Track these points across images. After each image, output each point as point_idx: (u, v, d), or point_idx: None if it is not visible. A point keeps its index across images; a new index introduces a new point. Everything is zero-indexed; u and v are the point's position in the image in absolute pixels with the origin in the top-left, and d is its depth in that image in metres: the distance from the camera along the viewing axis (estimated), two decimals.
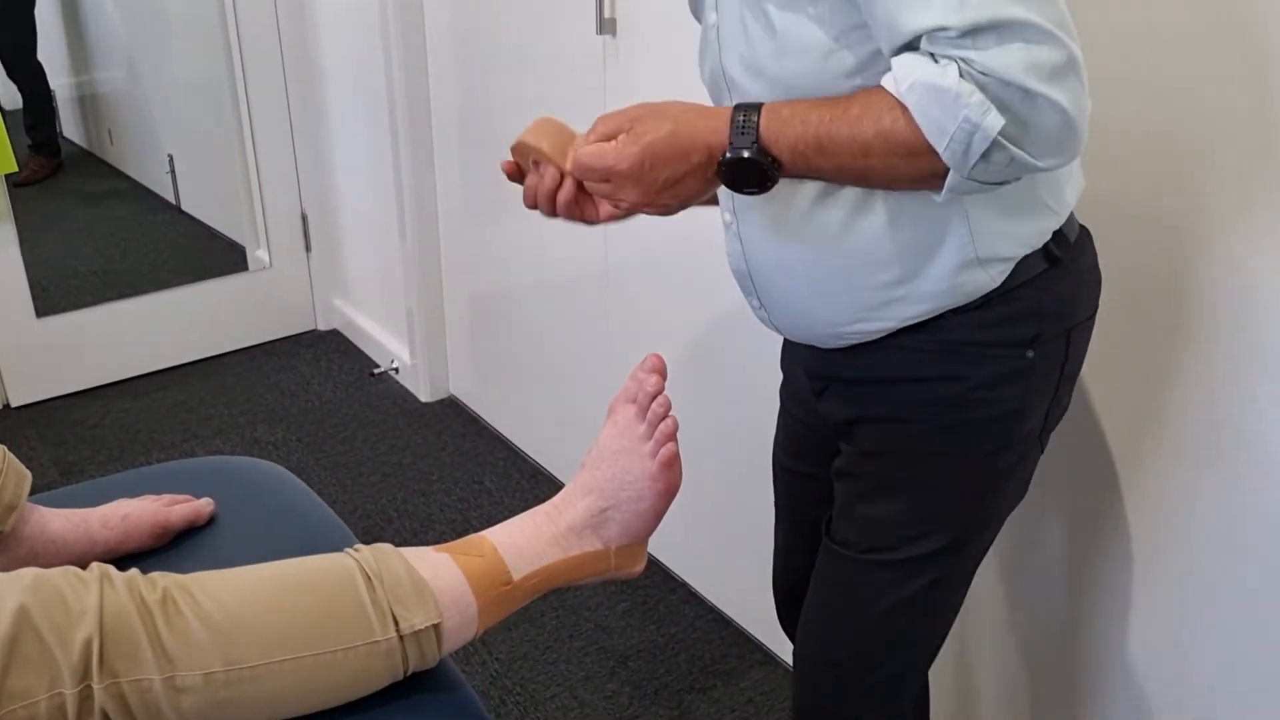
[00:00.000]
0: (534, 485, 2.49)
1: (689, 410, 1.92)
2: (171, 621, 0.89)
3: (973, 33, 0.83)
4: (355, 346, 3.15)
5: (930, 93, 0.85)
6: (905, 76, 0.86)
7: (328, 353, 3.12)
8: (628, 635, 2.05)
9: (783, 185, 0.96)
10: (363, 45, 2.63)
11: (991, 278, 1.01)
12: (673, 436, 1.05)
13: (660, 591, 2.16)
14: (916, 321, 1.03)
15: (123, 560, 1.12)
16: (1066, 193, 1.04)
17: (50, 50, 3.33)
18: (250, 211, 3.07)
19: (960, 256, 1.00)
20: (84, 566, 0.94)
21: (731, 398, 1.91)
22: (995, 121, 0.84)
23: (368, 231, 2.96)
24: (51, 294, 2.89)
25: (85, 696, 0.86)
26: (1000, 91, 0.83)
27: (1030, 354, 1.04)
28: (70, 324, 2.86)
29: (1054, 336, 1.05)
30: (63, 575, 0.90)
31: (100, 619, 0.87)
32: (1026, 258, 1.02)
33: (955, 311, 1.02)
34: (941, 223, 0.99)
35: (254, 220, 3.08)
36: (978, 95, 0.83)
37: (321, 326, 3.24)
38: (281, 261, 3.13)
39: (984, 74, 0.83)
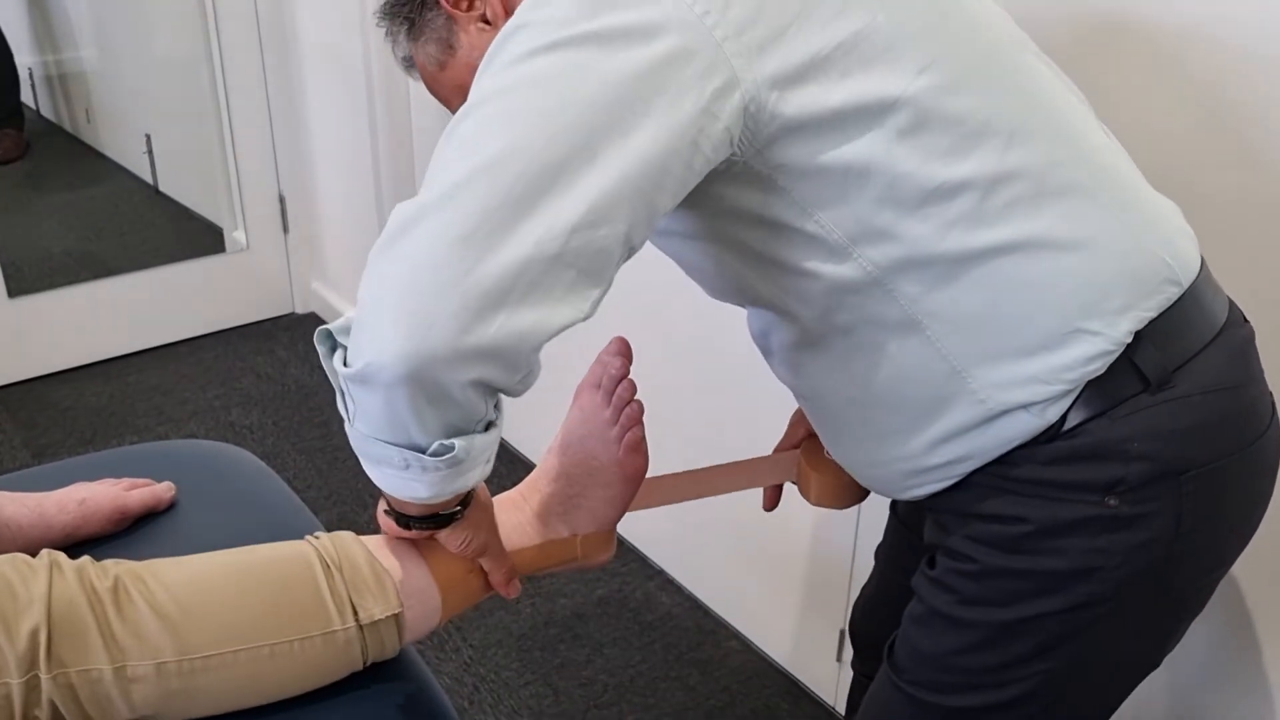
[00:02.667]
0: (511, 470, 2.47)
1: (662, 396, 1.90)
2: (122, 610, 0.87)
3: None
4: None
5: None
6: None
7: (305, 336, 3.09)
8: (604, 623, 2.04)
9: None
10: (341, 25, 2.60)
11: (1040, 417, 0.87)
12: (638, 421, 1.03)
13: (637, 579, 2.15)
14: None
15: (79, 546, 1.10)
16: (1115, 301, 0.86)
17: (22, 27, 3.29)
18: (228, 192, 3.04)
19: (977, 414, 0.88)
20: (37, 552, 0.92)
21: (706, 383, 1.89)
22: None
23: (346, 214, 2.93)
24: (25, 274, 2.85)
25: (32, 687, 0.83)
26: None
27: (1112, 502, 0.86)
28: (44, 305, 2.82)
29: (1149, 482, 0.86)
30: (10, 562, 0.88)
31: (48, 607, 0.85)
32: (1104, 381, 0.86)
33: (1023, 445, 0.89)
34: (931, 389, 0.88)
35: (231, 201, 3.05)
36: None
37: (299, 310, 3.21)
38: (259, 243, 3.10)
39: None
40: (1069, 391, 0.86)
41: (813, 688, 1.89)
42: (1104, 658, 0.94)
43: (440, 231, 0.73)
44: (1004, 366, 0.86)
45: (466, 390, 0.78)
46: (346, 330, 0.81)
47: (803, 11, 0.79)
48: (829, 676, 1.85)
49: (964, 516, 0.94)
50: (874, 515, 1.67)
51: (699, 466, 1.20)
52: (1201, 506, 0.88)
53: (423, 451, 0.81)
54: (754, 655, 1.97)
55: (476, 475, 0.86)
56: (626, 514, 1.08)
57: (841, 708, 1.84)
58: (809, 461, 1.18)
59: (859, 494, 1.18)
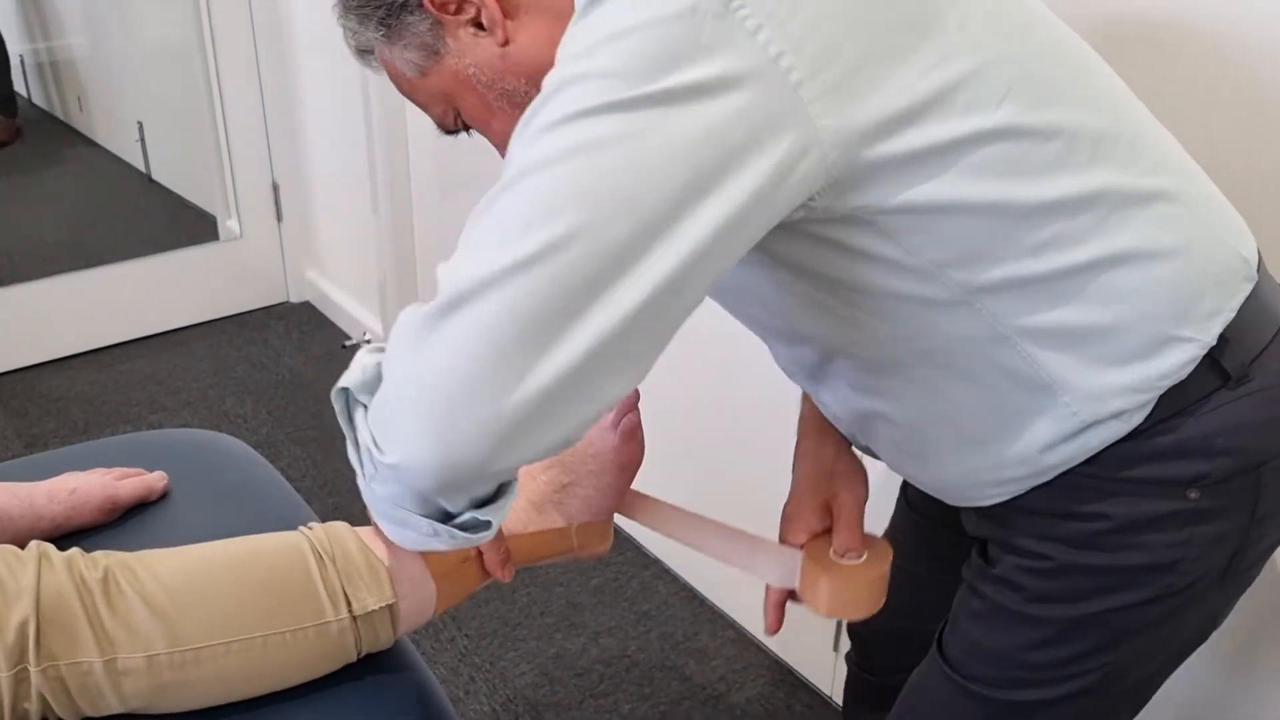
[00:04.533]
0: None
1: (660, 383, 1.89)
2: (112, 602, 0.86)
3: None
4: (327, 319, 3.11)
5: None
6: None
7: (299, 325, 3.08)
8: (599, 612, 2.03)
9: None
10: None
11: (1125, 424, 0.85)
12: (634, 406, 1.02)
13: (633, 568, 2.14)
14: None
15: (70, 536, 1.09)
16: (1205, 305, 0.84)
17: (13, 14, 3.26)
18: (221, 180, 3.03)
19: (1070, 426, 0.85)
20: (26, 543, 0.91)
21: (704, 368, 1.88)
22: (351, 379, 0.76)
23: (340, 202, 2.91)
24: (17, 263, 2.84)
25: (21, 679, 0.82)
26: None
27: (1194, 495, 0.85)
28: (36, 293, 2.81)
29: (1232, 476, 0.85)
30: None
31: (37, 599, 0.84)
32: (1185, 381, 0.84)
33: (1106, 446, 0.87)
34: (1020, 404, 0.85)
35: (224, 189, 3.04)
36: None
37: (293, 299, 3.20)
38: (252, 232, 3.08)
39: None
40: (1147, 404, 0.84)
41: (809, 677, 1.89)
42: (1166, 644, 0.94)
43: (487, 328, 0.66)
44: (1097, 378, 0.83)
45: (500, 477, 0.76)
46: (366, 387, 0.76)
47: (875, 46, 0.72)
48: (825, 666, 1.85)
49: (1035, 514, 0.91)
50: (873, 502, 1.66)
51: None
52: (1275, 494, 0.88)
53: (450, 520, 0.78)
54: (750, 645, 1.97)
55: (499, 524, 0.83)
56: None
57: (838, 697, 1.83)
58: (817, 563, 1.00)
59: (876, 599, 1.03)
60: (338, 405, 0.78)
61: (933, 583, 1.14)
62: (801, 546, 1.02)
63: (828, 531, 1.03)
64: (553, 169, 0.68)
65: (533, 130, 0.70)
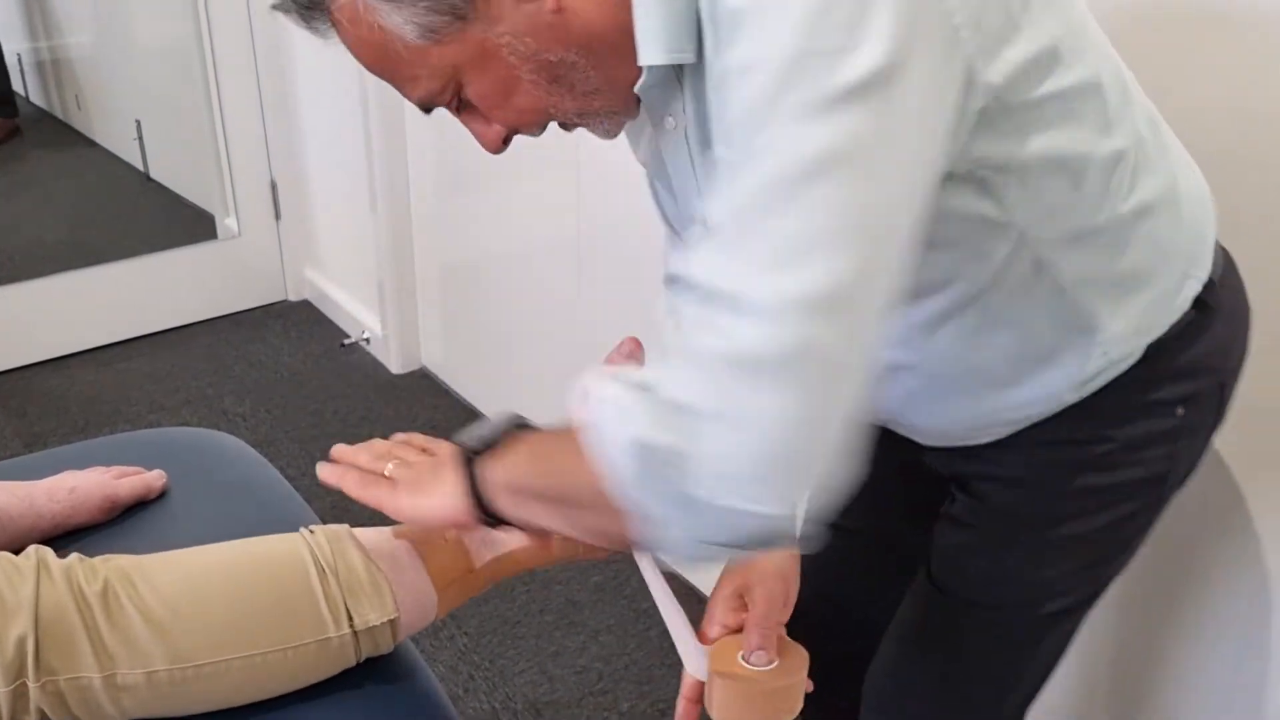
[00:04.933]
0: None
1: None
2: (112, 616, 0.85)
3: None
4: (326, 317, 3.11)
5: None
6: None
7: (298, 323, 3.08)
8: (599, 610, 2.03)
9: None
10: None
11: (1136, 356, 0.91)
12: None
13: (631, 566, 2.13)
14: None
15: (69, 535, 1.09)
16: (1206, 244, 0.93)
17: (12, 13, 3.27)
18: (219, 179, 3.02)
19: (1096, 365, 0.89)
20: (24, 545, 0.90)
21: None
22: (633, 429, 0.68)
23: (339, 201, 2.91)
24: (15, 261, 2.84)
25: (19, 694, 0.82)
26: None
27: (1181, 411, 0.93)
28: (35, 292, 2.81)
29: (1210, 392, 0.95)
30: None
31: (36, 613, 0.83)
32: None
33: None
34: (1059, 347, 0.89)
35: (223, 188, 3.03)
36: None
37: (292, 297, 3.19)
38: (251, 230, 3.08)
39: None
40: (1151, 340, 0.91)
41: None
42: (1135, 550, 1.02)
43: (819, 367, 0.65)
44: (1131, 318, 0.89)
45: None
46: (658, 426, 0.67)
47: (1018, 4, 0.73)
48: None
49: (1037, 445, 0.95)
50: None
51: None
52: (1226, 405, 0.98)
53: None
54: None
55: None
56: None
57: None
58: (715, 664, 0.91)
59: (776, 713, 0.92)
60: (634, 462, 0.68)
61: (864, 535, 1.14)
62: (712, 642, 0.94)
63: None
64: (826, 179, 0.64)
65: (776, 114, 0.64)
